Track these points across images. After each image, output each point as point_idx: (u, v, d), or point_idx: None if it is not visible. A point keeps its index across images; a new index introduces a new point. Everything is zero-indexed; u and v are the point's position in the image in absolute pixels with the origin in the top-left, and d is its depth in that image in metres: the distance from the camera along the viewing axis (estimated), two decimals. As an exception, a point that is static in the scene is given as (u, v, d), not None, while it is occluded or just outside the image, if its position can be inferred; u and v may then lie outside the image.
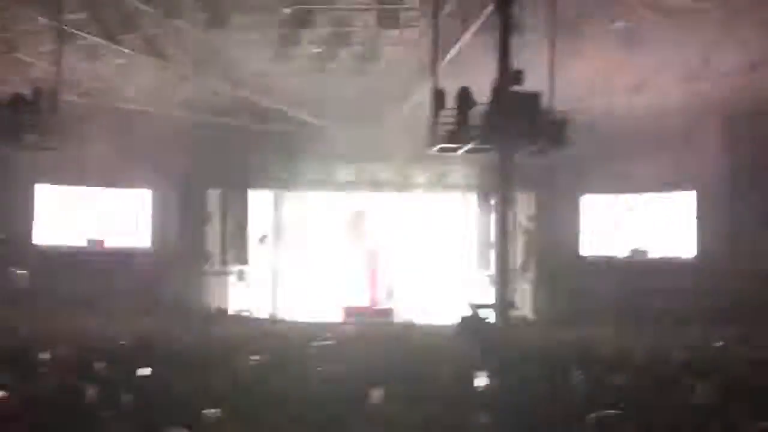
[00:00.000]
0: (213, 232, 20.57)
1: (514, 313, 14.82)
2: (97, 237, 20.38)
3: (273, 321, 19.14)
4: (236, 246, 20.97)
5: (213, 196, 20.67)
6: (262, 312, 20.11)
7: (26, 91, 13.10)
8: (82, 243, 20.17)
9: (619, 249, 19.87)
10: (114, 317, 14.81)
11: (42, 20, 13.96)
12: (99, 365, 7.37)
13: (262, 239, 21.30)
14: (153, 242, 20.58)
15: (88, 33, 14.92)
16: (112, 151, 18.73)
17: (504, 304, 13.18)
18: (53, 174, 19.29)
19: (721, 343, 11.47)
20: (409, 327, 16.84)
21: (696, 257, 18.57)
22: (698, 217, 18.63)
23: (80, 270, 18.73)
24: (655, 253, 19.43)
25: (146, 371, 7.15)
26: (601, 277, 19.08)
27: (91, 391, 5.39)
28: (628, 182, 19.04)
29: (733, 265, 16.79)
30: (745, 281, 16.23)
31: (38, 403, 4.94)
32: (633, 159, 17.93)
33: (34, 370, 6.91)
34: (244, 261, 21.04)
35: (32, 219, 19.72)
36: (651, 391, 6.45)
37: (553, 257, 19.30)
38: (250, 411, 5.36)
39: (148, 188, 20.67)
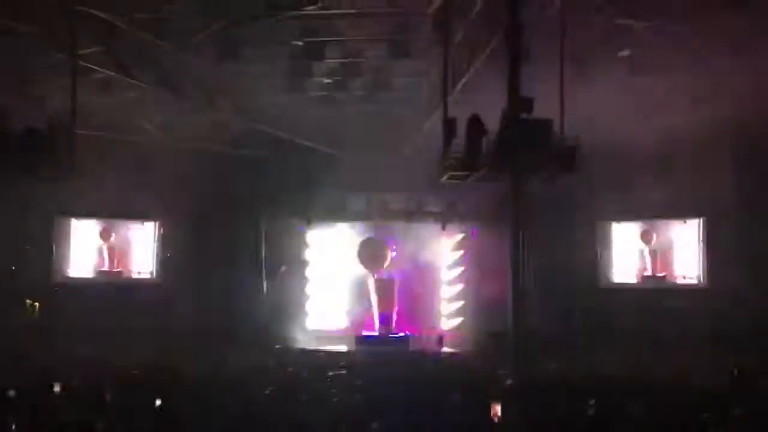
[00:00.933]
0: (227, 263, 20.55)
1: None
2: (110, 269, 20.54)
3: (288, 350, 19.08)
4: (252, 277, 20.99)
5: (228, 226, 20.67)
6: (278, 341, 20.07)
7: (41, 125, 13.26)
8: (96, 275, 20.32)
9: (634, 275, 19.76)
10: (127, 349, 14.82)
11: (56, 55, 14.20)
12: (111, 396, 7.36)
13: (282, 272, 21.27)
14: (165, 274, 20.66)
15: (102, 67, 15.16)
16: (126, 184, 18.94)
17: (519, 331, 13.08)
18: (70, 207, 19.51)
19: (736, 372, 11.31)
20: (422, 355, 16.74)
21: (708, 283, 18.44)
22: (708, 243, 18.54)
23: (94, 302, 18.83)
24: (669, 279, 19.31)
25: (158, 402, 7.13)
26: (617, 304, 18.95)
27: (100, 425, 5.38)
28: (639, 209, 19.00)
29: (744, 291, 16.65)
30: (758, 307, 16.08)
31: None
32: (644, 185, 17.91)
33: (48, 402, 6.91)
34: (259, 291, 21.04)
35: (51, 251, 19.86)
36: (667, 420, 6.36)
37: (567, 284, 19.17)
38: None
39: (162, 220, 20.82)
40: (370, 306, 21.81)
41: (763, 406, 7.32)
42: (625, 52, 14.88)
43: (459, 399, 7.86)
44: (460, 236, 21.71)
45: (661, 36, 14.16)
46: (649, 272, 19.63)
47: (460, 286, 21.65)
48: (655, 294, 18.99)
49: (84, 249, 20.44)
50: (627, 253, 19.92)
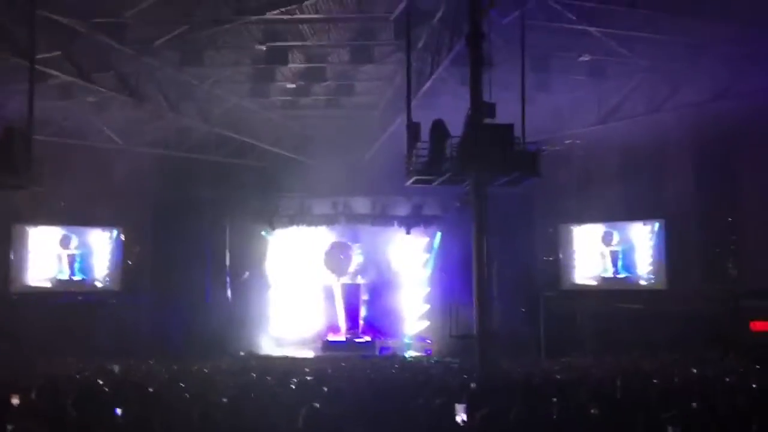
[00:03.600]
0: (189, 270, 20.27)
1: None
2: (69, 277, 20.17)
3: (252, 356, 18.92)
4: (214, 282, 20.80)
5: (190, 233, 20.38)
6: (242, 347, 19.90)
7: (-3, 131, 12.94)
8: (55, 283, 19.93)
9: (595, 277, 20.06)
10: (86, 357, 14.55)
11: (13, 59, 13.89)
12: (70, 407, 7.21)
13: (244, 277, 21.10)
14: (125, 281, 20.35)
15: (61, 72, 14.87)
16: (86, 191, 18.57)
17: (485, 334, 13.17)
18: (28, 215, 19.10)
19: (695, 371, 11.56)
20: (388, 360, 16.74)
21: (666, 284, 18.81)
22: (668, 245, 18.91)
23: (53, 310, 18.46)
24: (628, 280, 19.66)
25: (118, 411, 7.01)
26: (578, 305, 19.22)
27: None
28: (600, 212, 19.30)
29: (702, 292, 17.03)
30: (714, 307, 16.45)
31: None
32: (605, 188, 18.20)
33: (4, 415, 6.74)
34: (223, 297, 20.86)
35: (7, 261, 19.43)
36: (627, 419, 6.46)
37: (529, 286, 19.40)
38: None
39: (123, 227, 20.51)
40: (336, 311, 21.80)
41: (720, 404, 7.49)
42: (585, 57, 15.14)
43: (424, 402, 7.89)
44: (425, 240, 21.83)
45: (620, 41, 14.45)
46: (609, 274, 19.95)
47: (425, 290, 21.75)
48: (616, 295, 19.31)
49: (42, 257, 20.02)
50: (588, 255, 20.21)
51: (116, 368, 13.42)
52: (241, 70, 16.77)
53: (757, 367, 12.24)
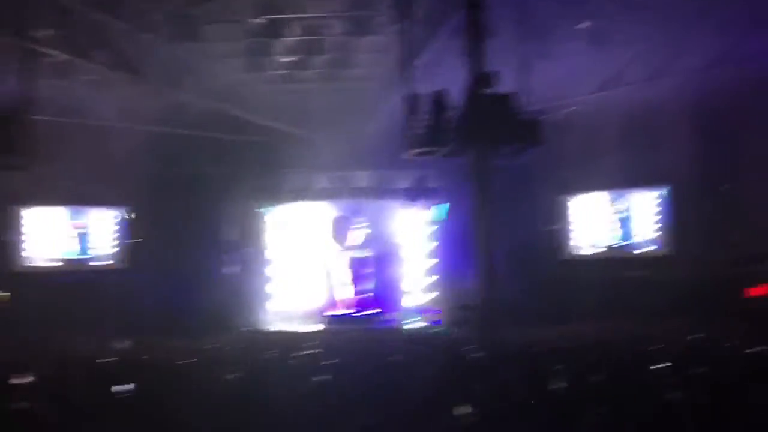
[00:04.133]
0: (191, 247, 20.29)
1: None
2: (71, 256, 20.21)
3: (255, 332, 19.01)
4: (216, 259, 20.83)
5: (190, 210, 20.36)
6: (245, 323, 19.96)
7: (-6, 111, 12.88)
8: (57, 262, 19.99)
9: (598, 246, 20.04)
10: (90, 337, 14.61)
11: (7, 38, 13.77)
12: (76, 385, 7.27)
13: (245, 254, 21.10)
14: (127, 260, 20.39)
15: (57, 50, 14.74)
16: (85, 169, 18.51)
17: (488, 306, 13.21)
18: (28, 196, 19.08)
19: (698, 337, 11.57)
20: (392, 332, 16.81)
21: (671, 251, 18.78)
22: (670, 212, 18.84)
23: (56, 290, 18.53)
24: (633, 248, 19.62)
25: (125, 388, 7.05)
26: (581, 274, 19.22)
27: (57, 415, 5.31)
28: (603, 179, 19.22)
29: (706, 259, 17.00)
30: (716, 274, 16.44)
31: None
32: (607, 156, 18.08)
33: (8, 393, 6.79)
34: (226, 274, 20.89)
35: (10, 240, 19.44)
36: (632, 384, 6.49)
37: (533, 256, 19.38)
38: (231, 425, 5.31)
39: (123, 205, 20.51)
40: (340, 285, 21.85)
41: (723, 370, 7.52)
42: (585, 24, 14.96)
43: (430, 373, 7.92)
44: (428, 212, 21.78)
45: (621, 6, 14.26)
46: (612, 242, 19.92)
47: (430, 262, 21.76)
48: (619, 263, 19.31)
49: (45, 237, 20.05)
50: (590, 223, 20.17)
51: (122, 345, 13.52)
52: (238, 44, 16.62)
53: (756, 332, 12.26)
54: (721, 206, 17.59)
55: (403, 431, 4.96)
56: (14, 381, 7.63)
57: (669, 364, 8.16)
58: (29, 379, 7.88)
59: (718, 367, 7.36)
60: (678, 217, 18.67)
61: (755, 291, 16.38)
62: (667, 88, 16.36)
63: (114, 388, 6.99)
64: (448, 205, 21.11)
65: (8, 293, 18.63)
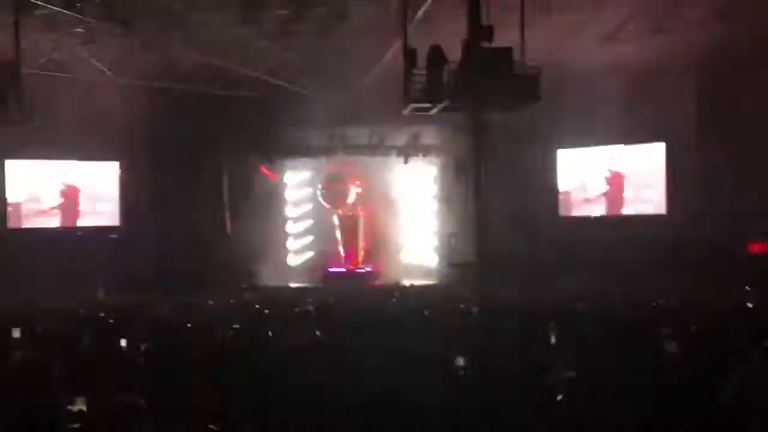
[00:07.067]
0: (188, 204, 20.21)
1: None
2: (67, 212, 20.12)
3: (254, 289, 19.10)
4: (213, 217, 20.80)
5: (187, 166, 20.20)
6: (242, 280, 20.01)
7: (-16, 66, 12.68)
8: (54, 219, 19.92)
9: (594, 201, 20.04)
10: (89, 293, 14.67)
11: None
12: (77, 338, 7.31)
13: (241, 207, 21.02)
14: (126, 217, 20.32)
15: (46, 2, 14.43)
16: (77, 124, 18.28)
17: (484, 262, 13.27)
18: (21, 149, 18.88)
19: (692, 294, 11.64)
20: (388, 288, 16.89)
21: (667, 208, 18.80)
22: (667, 169, 18.80)
23: (54, 246, 18.50)
24: (628, 205, 19.64)
25: (123, 342, 7.10)
26: (578, 231, 19.26)
27: (56, 367, 5.33)
28: (600, 136, 19.12)
29: (701, 214, 17.00)
30: (713, 230, 16.47)
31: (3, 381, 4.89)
32: (604, 112, 17.94)
33: (7, 347, 6.82)
34: (222, 231, 20.90)
35: (3, 198, 19.34)
36: (626, 339, 6.54)
37: (530, 213, 19.38)
38: (229, 379, 5.34)
39: (120, 162, 20.36)
40: (336, 242, 21.90)
41: (716, 323, 7.59)
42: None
43: (425, 330, 7.97)
44: (423, 169, 21.71)
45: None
46: (609, 198, 19.90)
47: (423, 219, 21.78)
48: (616, 220, 19.34)
49: (39, 193, 19.92)
50: (588, 180, 20.13)
51: (118, 302, 13.58)
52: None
53: (751, 288, 12.36)
54: (718, 162, 17.50)
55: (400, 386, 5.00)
56: (16, 335, 7.67)
57: (663, 317, 8.24)
58: (33, 332, 7.92)
59: (714, 322, 7.43)
60: (675, 173, 18.63)
61: (756, 248, 16.44)
62: (666, 42, 16.16)
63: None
64: (441, 161, 21.05)
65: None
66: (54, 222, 19.94)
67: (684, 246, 16.60)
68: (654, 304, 10.50)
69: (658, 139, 18.96)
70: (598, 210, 19.95)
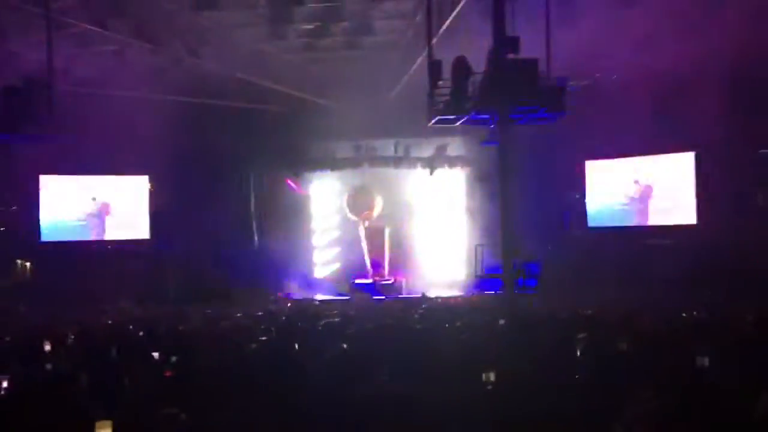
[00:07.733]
0: (215, 218, 20.36)
1: None
2: (99, 226, 20.42)
3: (280, 300, 19.16)
4: (241, 230, 20.95)
5: (215, 180, 20.38)
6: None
7: (18, 82, 12.95)
8: (85, 232, 20.23)
9: (623, 212, 19.81)
10: (118, 307, 14.84)
11: (30, 9, 13.79)
12: (106, 351, 7.37)
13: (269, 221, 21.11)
14: (154, 230, 20.56)
15: (78, 20, 14.75)
16: (108, 139, 18.59)
17: (511, 273, 13.16)
18: (53, 165, 19.25)
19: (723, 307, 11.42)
20: (414, 301, 16.82)
21: (698, 218, 18.50)
22: (697, 179, 18.51)
23: (85, 260, 18.79)
24: (657, 216, 19.37)
25: (155, 356, 7.15)
26: (606, 242, 19.05)
27: (84, 378, 5.39)
28: (628, 146, 18.90)
29: (732, 225, 16.70)
30: (744, 241, 16.15)
31: (33, 390, 4.96)
32: (633, 122, 17.74)
33: (37, 359, 6.92)
34: (250, 244, 21.04)
35: (38, 211, 19.69)
36: (657, 353, 6.43)
37: (556, 224, 19.23)
38: (255, 392, 5.35)
39: (149, 176, 20.63)
40: (362, 254, 21.90)
41: (748, 337, 7.43)
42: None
43: (451, 341, 7.92)
44: (449, 181, 21.67)
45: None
46: (637, 209, 19.64)
47: (450, 231, 21.71)
48: (644, 231, 19.08)
49: (71, 207, 20.28)
50: (616, 190, 19.92)
51: (147, 316, 13.71)
52: (258, 12, 16.49)
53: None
54: (749, 172, 17.21)
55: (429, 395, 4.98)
56: (47, 348, 7.78)
57: (695, 331, 8.09)
58: (64, 344, 8.03)
59: (747, 336, 7.28)
60: (704, 184, 18.34)
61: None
62: (697, 49, 15.94)
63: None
64: (467, 172, 20.94)
65: (28, 263, 18.90)
66: (85, 235, 20.23)
67: (714, 257, 16.31)
68: (684, 315, 10.31)
69: (687, 149, 18.70)
70: (627, 221, 19.70)
